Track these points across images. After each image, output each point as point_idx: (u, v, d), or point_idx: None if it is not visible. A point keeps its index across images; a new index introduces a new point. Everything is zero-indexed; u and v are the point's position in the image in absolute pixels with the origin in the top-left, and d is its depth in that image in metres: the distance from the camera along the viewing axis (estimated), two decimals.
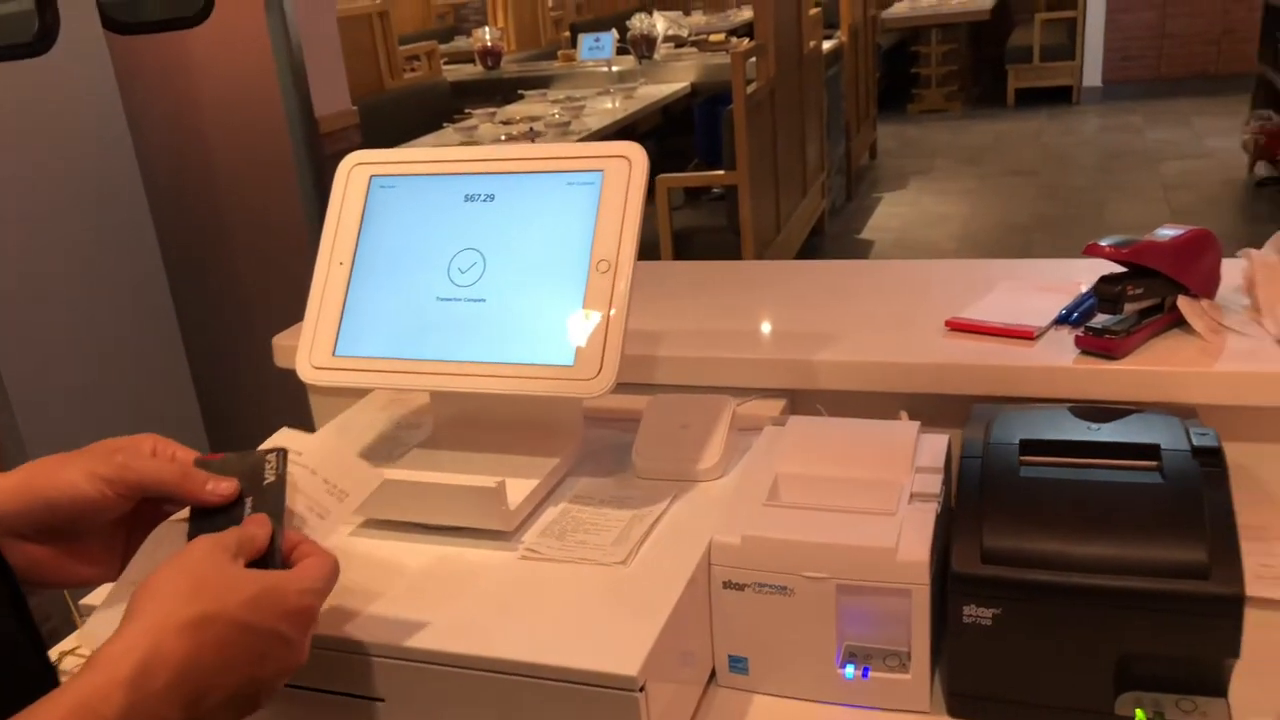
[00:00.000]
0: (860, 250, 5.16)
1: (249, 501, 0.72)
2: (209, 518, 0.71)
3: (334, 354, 0.92)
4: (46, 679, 0.70)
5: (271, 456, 0.74)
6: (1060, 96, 8.02)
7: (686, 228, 4.05)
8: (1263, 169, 5.22)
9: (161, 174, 2.45)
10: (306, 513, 0.74)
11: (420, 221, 0.93)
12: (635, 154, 0.88)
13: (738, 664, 0.85)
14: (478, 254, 0.91)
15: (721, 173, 3.87)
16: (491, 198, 0.92)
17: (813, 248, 5.09)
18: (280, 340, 1.26)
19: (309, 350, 0.93)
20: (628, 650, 0.71)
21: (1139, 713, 0.76)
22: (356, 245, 0.94)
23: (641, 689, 0.70)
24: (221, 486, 0.71)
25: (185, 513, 0.73)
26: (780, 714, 0.84)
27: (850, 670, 0.82)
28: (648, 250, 3.85)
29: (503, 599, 0.80)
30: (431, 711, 0.76)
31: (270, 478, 0.73)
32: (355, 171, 0.96)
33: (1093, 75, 8.27)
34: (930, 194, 5.98)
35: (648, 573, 0.81)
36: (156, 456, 0.73)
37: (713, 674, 0.87)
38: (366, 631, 0.77)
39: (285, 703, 0.80)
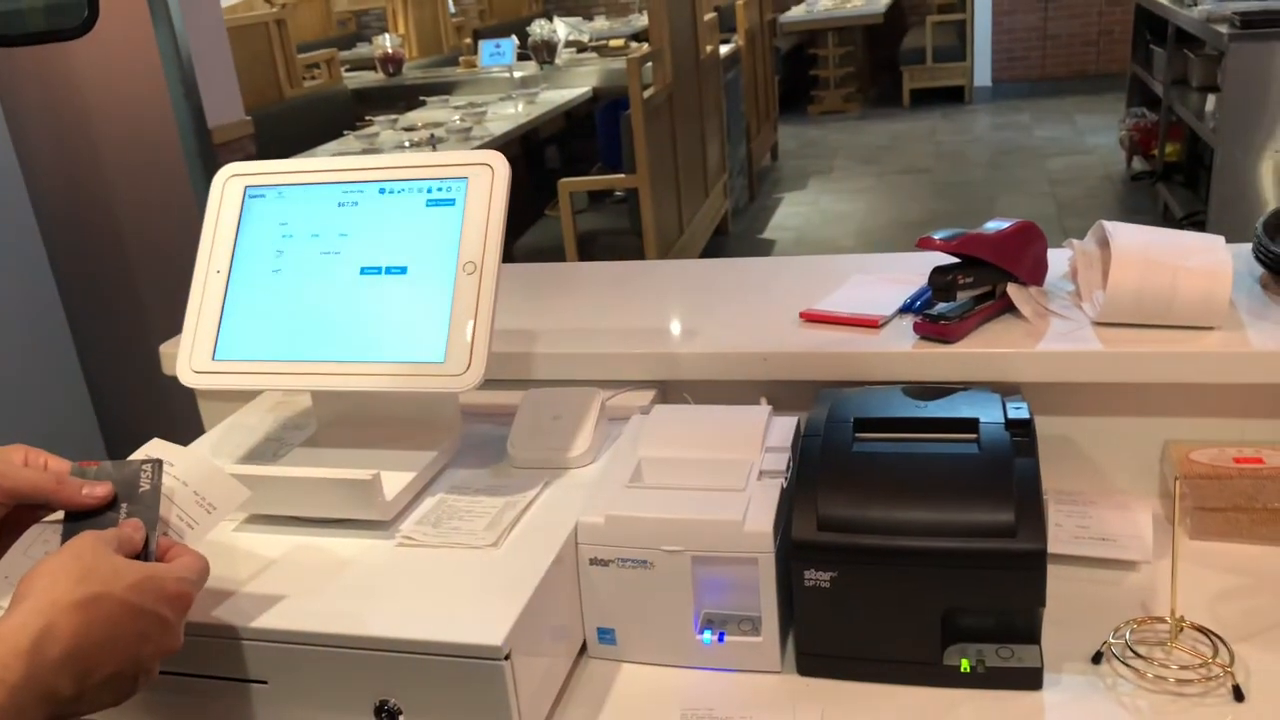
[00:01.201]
0: (763, 250, 5.28)
1: (124, 508, 0.76)
2: (83, 521, 0.75)
3: (213, 358, 0.96)
4: None
5: (148, 467, 0.78)
6: (953, 96, 8.28)
7: (590, 231, 4.11)
8: (1138, 163, 5.49)
9: (49, 187, 2.42)
10: (177, 522, 0.79)
11: (294, 229, 0.98)
12: (497, 162, 0.94)
13: (606, 635, 0.91)
14: (351, 259, 0.96)
15: (622, 176, 3.94)
16: (362, 206, 0.97)
17: (717, 248, 5.19)
18: (166, 348, 1.28)
19: (189, 355, 0.97)
20: (494, 623, 0.77)
21: (964, 662, 0.84)
22: (233, 253, 0.98)
23: (507, 658, 0.76)
24: (97, 490, 0.76)
25: (58, 515, 0.77)
26: (646, 680, 0.90)
27: (708, 636, 0.89)
28: (553, 253, 3.90)
29: (378, 583, 0.85)
30: (312, 691, 0.81)
31: (145, 486, 0.77)
32: (230, 182, 1.00)
33: (983, 75, 8.57)
34: (830, 193, 6.14)
35: (517, 553, 0.87)
36: (29, 466, 0.77)
37: (584, 646, 0.93)
38: (248, 618, 0.81)
39: (174, 691, 0.84)
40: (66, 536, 0.74)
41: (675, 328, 1.21)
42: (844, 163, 6.85)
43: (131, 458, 0.81)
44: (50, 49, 2.38)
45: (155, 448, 0.83)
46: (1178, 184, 4.83)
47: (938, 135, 7.36)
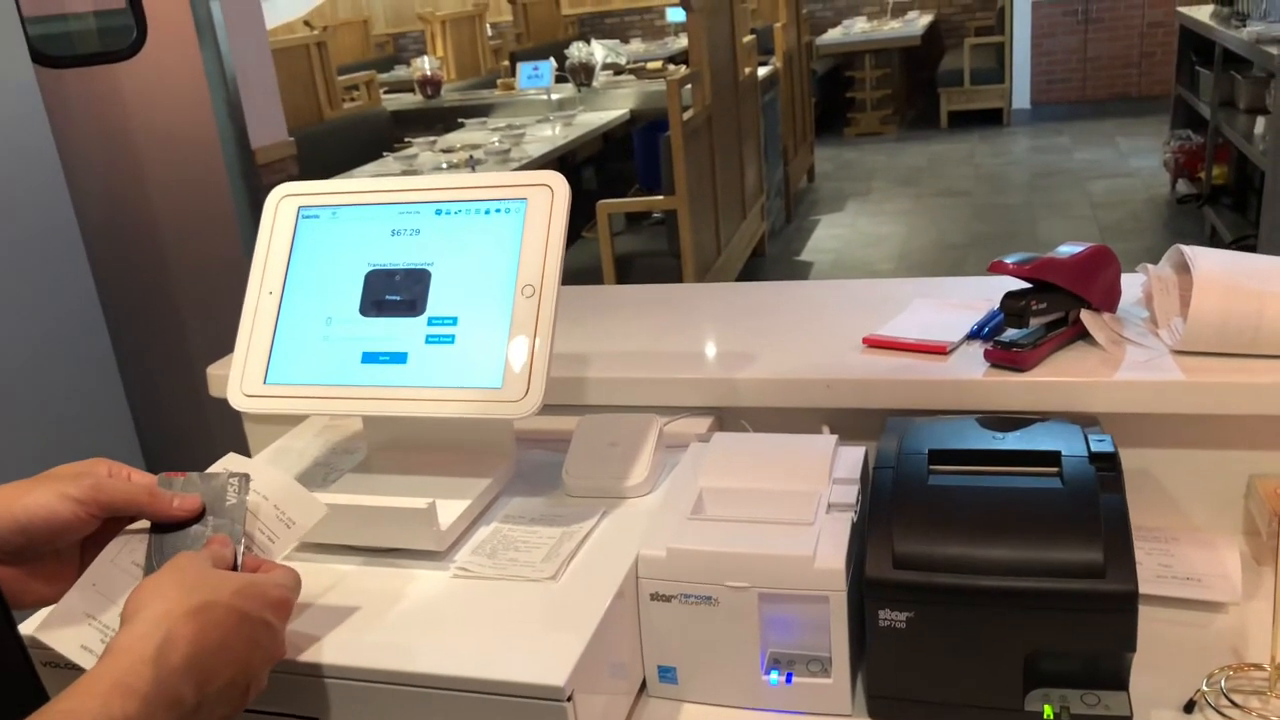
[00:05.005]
0: (800, 272, 5.24)
1: (211, 521, 0.77)
2: (170, 532, 0.76)
3: (265, 382, 0.94)
4: (32, 681, 0.72)
5: (235, 480, 0.78)
6: (991, 118, 8.22)
7: (628, 253, 4.09)
8: (1183, 186, 5.40)
9: (95, 207, 2.43)
10: (260, 537, 0.79)
11: (348, 250, 0.95)
12: (557, 183, 0.91)
13: (667, 674, 0.88)
14: (406, 281, 0.93)
15: (661, 198, 3.92)
16: (418, 227, 0.94)
17: (754, 270, 5.15)
18: (214, 370, 1.27)
19: (240, 378, 0.95)
20: (556, 661, 0.73)
21: (1047, 708, 0.80)
22: (286, 275, 0.96)
23: (569, 699, 0.72)
24: (188, 503, 0.77)
25: (142, 524, 0.77)
26: None
27: (774, 676, 0.85)
28: (590, 275, 3.88)
29: (434, 616, 0.82)
30: None
31: (232, 500, 0.78)
32: (284, 203, 0.98)
33: (1021, 98, 8.50)
34: (867, 215, 6.09)
35: (576, 587, 0.83)
36: (113, 478, 0.77)
37: (643, 684, 0.89)
38: (298, 651, 0.78)
39: None
40: (154, 547, 0.75)
41: (732, 352, 1.18)
42: (881, 185, 6.80)
43: (211, 470, 0.81)
44: (99, 71, 2.40)
45: (232, 462, 0.83)
46: (1225, 207, 4.75)
47: (976, 158, 7.29)
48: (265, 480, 0.80)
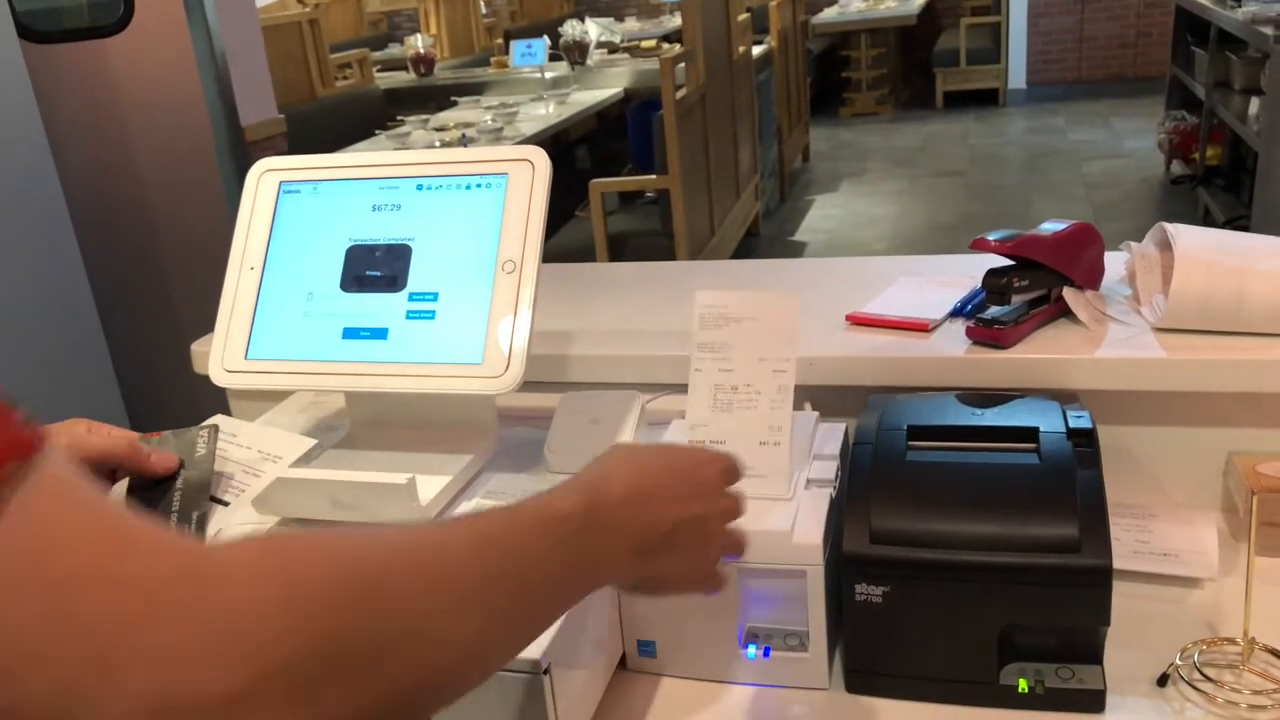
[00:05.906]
0: (794, 251, 5.23)
1: (183, 474, 0.82)
2: (148, 492, 0.80)
3: (246, 357, 0.94)
4: None
5: (204, 432, 0.84)
6: (987, 99, 8.18)
7: (621, 232, 4.08)
8: (1177, 167, 5.39)
9: (83, 184, 2.42)
10: (240, 473, 0.84)
11: (329, 225, 0.95)
12: (538, 158, 0.91)
13: (646, 648, 0.88)
14: (386, 257, 0.93)
15: (654, 177, 3.91)
16: (399, 202, 0.94)
17: (748, 250, 5.15)
18: (198, 346, 1.27)
19: (221, 354, 0.95)
20: None
21: (1022, 681, 0.80)
22: (267, 250, 0.96)
23: (546, 672, 0.73)
24: (166, 460, 0.81)
25: (123, 485, 0.81)
26: (687, 695, 0.87)
27: (752, 651, 0.85)
28: (583, 255, 3.87)
29: None
30: None
31: (202, 450, 0.83)
32: (264, 178, 0.97)
33: (1017, 78, 8.47)
34: (862, 195, 6.08)
35: None
36: (93, 435, 0.79)
37: (623, 659, 0.90)
38: None
39: None
40: (130, 505, 0.78)
41: None
42: (876, 165, 6.78)
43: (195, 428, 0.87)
44: (87, 47, 2.38)
45: (217, 421, 0.89)
46: (1219, 188, 4.74)
47: (971, 138, 7.27)
48: (246, 433, 0.85)
